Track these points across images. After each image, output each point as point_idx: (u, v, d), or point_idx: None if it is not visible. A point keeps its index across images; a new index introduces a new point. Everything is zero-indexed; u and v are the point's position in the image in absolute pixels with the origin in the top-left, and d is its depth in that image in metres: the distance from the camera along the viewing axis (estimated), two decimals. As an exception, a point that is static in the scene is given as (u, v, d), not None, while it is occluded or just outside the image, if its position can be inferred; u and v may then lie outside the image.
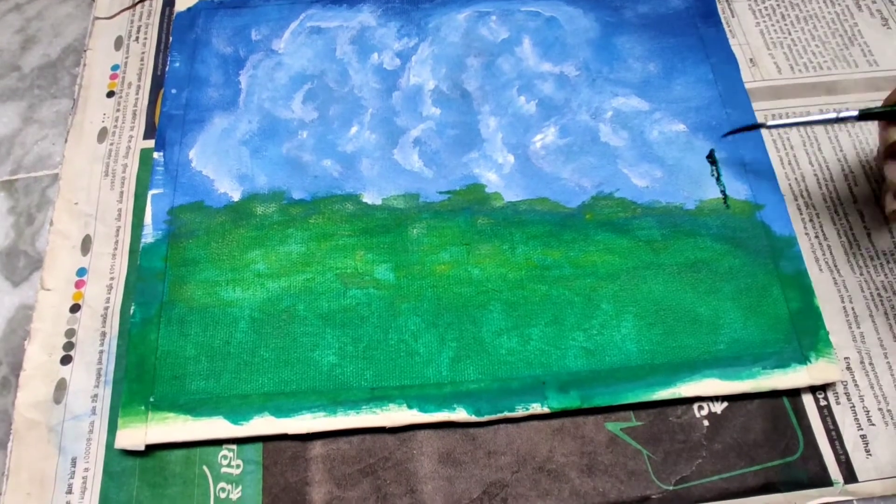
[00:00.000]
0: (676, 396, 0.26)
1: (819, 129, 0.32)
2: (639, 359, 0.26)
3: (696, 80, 0.32)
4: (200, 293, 0.28)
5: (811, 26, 0.35)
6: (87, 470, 0.26)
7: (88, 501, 0.25)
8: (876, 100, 0.33)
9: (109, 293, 0.29)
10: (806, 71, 0.34)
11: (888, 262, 0.29)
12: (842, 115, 0.27)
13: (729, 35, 0.34)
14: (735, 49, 0.34)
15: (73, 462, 0.26)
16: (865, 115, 0.26)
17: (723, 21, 0.34)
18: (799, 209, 0.30)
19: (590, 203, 0.30)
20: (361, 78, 0.33)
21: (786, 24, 0.35)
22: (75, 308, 0.29)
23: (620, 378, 0.26)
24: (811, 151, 0.32)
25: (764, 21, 0.35)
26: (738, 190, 0.30)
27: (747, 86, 0.32)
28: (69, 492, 0.25)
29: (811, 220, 0.30)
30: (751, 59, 0.34)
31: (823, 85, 0.33)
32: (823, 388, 0.27)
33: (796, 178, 0.31)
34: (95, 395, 0.27)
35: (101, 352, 0.28)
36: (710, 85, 0.32)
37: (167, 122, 0.32)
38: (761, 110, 0.32)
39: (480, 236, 0.29)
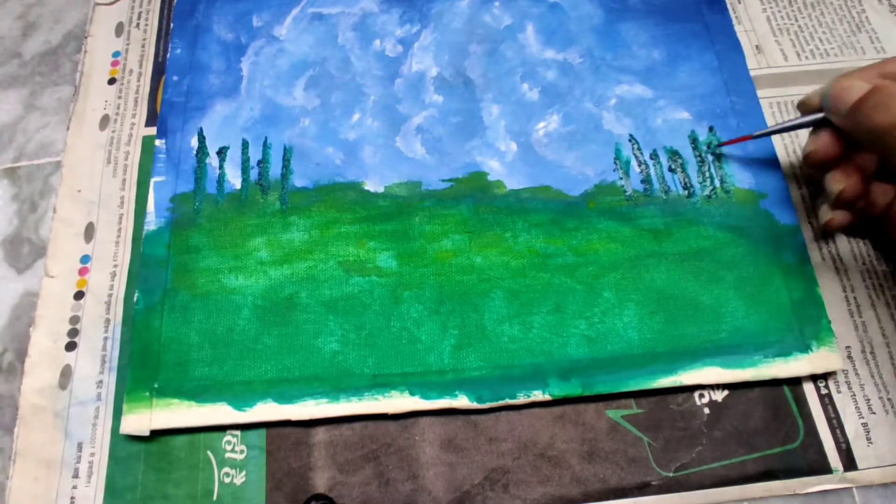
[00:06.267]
0: (677, 384, 0.26)
1: (824, 117, 0.32)
2: (640, 347, 0.26)
3: (701, 67, 0.32)
4: (203, 280, 0.28)
5: (818, 12, 0.34)
6: (93, 455, 0.26)
7: (95, 486, 0.26)
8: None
9: (113, 280, 0.29)
10: (812, 58, 0.33)
11: (891, 252, 0.29)
12: (814, 117, 0.26)
13: (735, 21, 0.34)
14: (741, 36, 0.33)
15: (80, 447, 0.26)
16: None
17: (729, 7, 0.34)
18: (802, 198, 0.30)
19: (592, 191, 0.30)
20: (363, 65, 0.33)
21: (793, 11, 0.35)
22: (79, 295, 0.29)
23: (622, 366, 0.26)
24: (816, 140, 0.31)
25: (771, 7, 0.35)
26: (742, 178, 0.30)
27: (753, 73, 0.32)
28: (76, 476, 0.26)
29: (814, 209, 0.30)
30: (756, 46, 0.33)
31: (830, 72, 0.33)
32: (824, 376, 0.27)
33: (800, 167, 0.31)
34: (100, 381, 0.27)
35: (106, 338, 0.28)
36: (714, 72, 0.32)
37: (169, 110, 0.32)
38: (766, 98, 0.32)
39: (483, 224, 0.29)
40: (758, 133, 0.28)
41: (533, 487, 0.25)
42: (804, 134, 0.31)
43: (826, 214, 0.27)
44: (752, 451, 0.25)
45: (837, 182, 0.25)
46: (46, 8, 0.36)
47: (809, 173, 0.30)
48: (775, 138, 0.31)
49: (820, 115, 0.26)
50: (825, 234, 0.29)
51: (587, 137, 0.31)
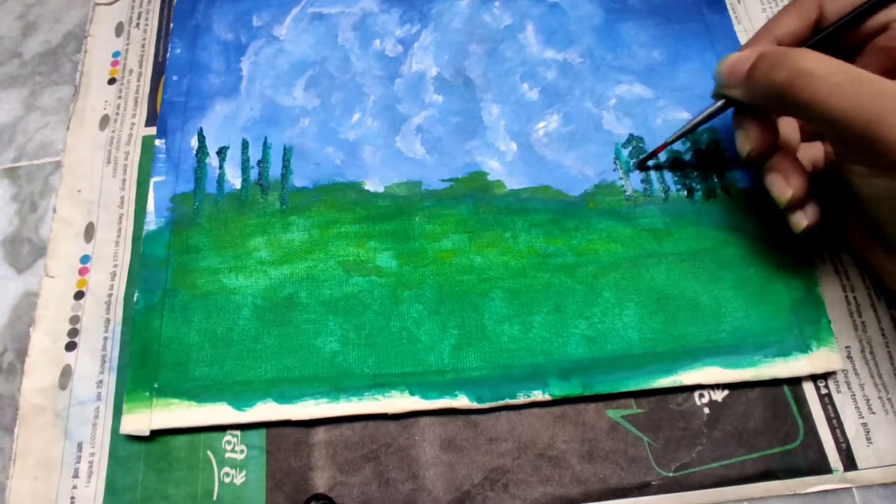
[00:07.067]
0: (677, 384, 0.26)
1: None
2: (640, 347, 0.26)
3: (701, 67, 0.32)
4: (203, 280, 0.28)
5: (818, 12, 0.34)
6: (93, 454, 0.26)
7: (95, 486, 0.26)
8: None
9: (113, 280, 0.29)
10: (812, 58, 0.33)
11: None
12: (712, 107, 0.26)
13: (735, 22, 0.34)
14: (741, 36, 0.33)
15: (80, 447, 0.26)
16: (727, 104, 0.25)
17: (728, 7, 0.34)
18: (803, 198, 0.30)
19: (592, 191, 0.30)
20: (363, 65, 0.33)
21: (792, 11, 0.35)
22: (79, 295, 0.29)
23: (622, 366, 0.26)
24: (816, 139, 0.31)
25: (770, 7, 0.35)
26: (742, 178, 0.30)
27: (752, 73, 0.32)
28: (76, 476, 0.26)
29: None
30: (756, 46, 0.33)
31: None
32: (824, 376, 0.27)
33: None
34: (100, 381, 0.27)
35: (106, 338, 0.28)
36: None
37: (169, 110, 0.32)
38: (766, 98, 0.32)
39: (482, 224, 0.29)
40: (670, 139, 0.28)
41: (533, 487, 0.25)
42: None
43: (799, 223, 0.25)
44: (752, 451, 0.25)
45: (782, 191, 0.24)
46: (46, 8, 0.36)
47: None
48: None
49: (720, 101, 0.26)
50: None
51: (587, 137, 0.31)
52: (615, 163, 0.30)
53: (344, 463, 0.26)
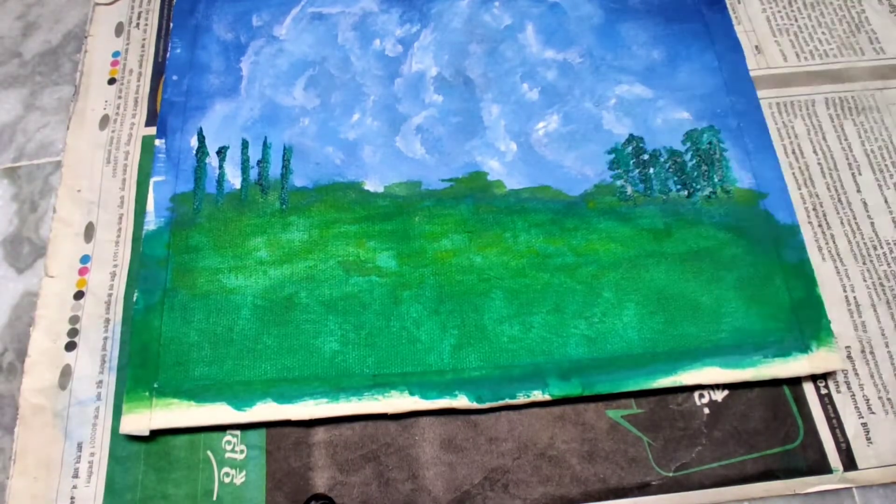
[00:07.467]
0: (677, 384, 0.26)
1: (824, 117, 0.32)
2: (640, 347, 0.26)
3: (701, 67, 0.32)
4: (203, 280, 0.28)
5: (818, 13, 0.34)
6: (92, 454, 0.26)
7: (94, 486, 0.26)
8: (881, 88, 0.32)
9: (113, 280, 0.29)
10: (812, 59, 0.33)
11: (891, 252, 0.29)
12: None
13: (735, 21, 0.34)
14: (741, 36, 0.33)
15: (79, 447, 0.26)
16: None
17: (728, 7, 0.34)
18: (802, 198, 0.30)
19: (592, 191, 0.30)
20: (363, 64, 0.33)
21: (792, 11, 0.35)
22: (79, 295, 0.29)
23: (621, 366, 0.26)
24: (815, 140, 0.31)
25: (770, 7, 0.35)
26: (742, 178, 0.30)
27: (752, 73, 0.32)
28: (75, 476, 0.26)
29: (814, 209, 0.30)
30: (756, 47, 0.33)
31: (829, 73, 0.33)
32: (824, 376, 0.27)
33: (800, 167, 0.31)
34: (100, 381, 0.27)
35: (105, 338, 0.28)
36: (714, 72, 0.32)
37: (168, 109, 0.32)
38: (766, 98, 0.32)
39: (482, 224, 0.29)
40: None
41: (533, 487, 0.25)
42: (803, 133, 0.31)
43: None
44: (752, 451, 0.25)
45: None
46: (46, 8, 0.36)
47: None
48: (775, 139, 0.31)
49: None
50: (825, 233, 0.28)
51: (587, 137, 0.31)
52: (615, 163, 0.30)
53: (344, 463, 0.26)
